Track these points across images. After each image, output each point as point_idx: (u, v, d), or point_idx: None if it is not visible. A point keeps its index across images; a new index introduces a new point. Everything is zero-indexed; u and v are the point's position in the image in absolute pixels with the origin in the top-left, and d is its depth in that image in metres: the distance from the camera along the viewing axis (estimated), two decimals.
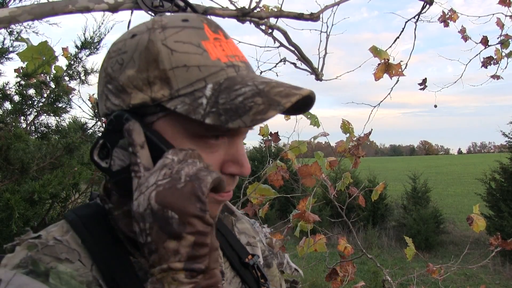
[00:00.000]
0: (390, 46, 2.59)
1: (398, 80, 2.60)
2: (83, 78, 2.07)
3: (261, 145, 13.23)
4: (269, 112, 0.48)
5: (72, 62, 2.02)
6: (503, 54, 3.27)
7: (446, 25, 3.24)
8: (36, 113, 1.94)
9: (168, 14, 0.59)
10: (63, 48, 2.37)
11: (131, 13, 1.35)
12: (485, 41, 3.29)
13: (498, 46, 3.27)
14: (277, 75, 2.75)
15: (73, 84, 2.06)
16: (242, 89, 0.50)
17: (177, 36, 0.52)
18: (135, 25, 0.58)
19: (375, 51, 2.42)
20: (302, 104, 0.56)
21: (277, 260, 0.85)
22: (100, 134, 0.56)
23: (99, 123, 2.11)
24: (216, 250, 0.47)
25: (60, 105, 1.97)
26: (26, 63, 1.92)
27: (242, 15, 1.65)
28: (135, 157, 0.50)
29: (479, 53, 3.34)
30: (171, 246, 0.44)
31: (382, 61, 2.43)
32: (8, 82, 1.89)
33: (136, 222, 0.46)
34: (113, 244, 0.56)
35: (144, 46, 0.52)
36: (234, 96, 0.49)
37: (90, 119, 2.12)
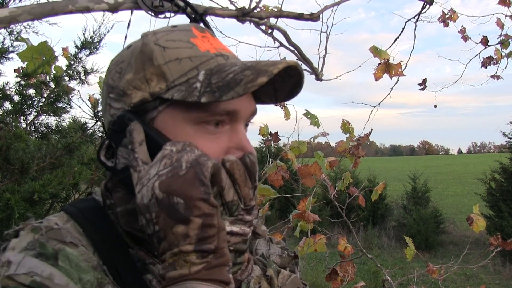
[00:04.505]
0: (390, 46, 2.59)
1: (398, 80, 2.60)
2: (83, 78, 2.07)
3: (261, 145, 13.22)
4: (259, 79, 0.49)
5: (72, 62, 2.02)
6: (503, 54, 3.26)
7: (446, 25, 3.24)
8: (36, 113, 1.94)
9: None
10: (63, 48, 2.37)
11: (131, 13, 1.35)
12: (485, 41, 3.29)
13: (498, 46, 3.27)
14: None
15: (73, 84, 2.07)
16: (232, 68, 0.53)
17: (167, 36, 0.57)
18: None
19: (375, 51, 2.42)
20: (294, 85, 0.60)
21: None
22: (105, 136, 0.59)
23: (99, 123, 2.11)
24: (223, 230, 0.48)
25: (60, 105, 1.97)
26: (26, 63, 1.92)
27: (242, 15, 1.65)
28: (133, 153, 0.52)
29: (479, 53, 3.35)
30: (180, 230, 0.45)
31: (382, 61, 2.43)
32: (8, 82, 1.89)
33: (141, 215, 0.48)
34: (112, 235, 0.57)
35: (138, 50, 0.56)
36: (225, 75, 0.52)
37: (90, 119, 2.12)
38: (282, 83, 0.60)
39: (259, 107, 0.64)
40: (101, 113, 0.64)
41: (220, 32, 2.26)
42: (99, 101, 2.14)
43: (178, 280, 0.45)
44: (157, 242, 0.47)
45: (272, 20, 2.01)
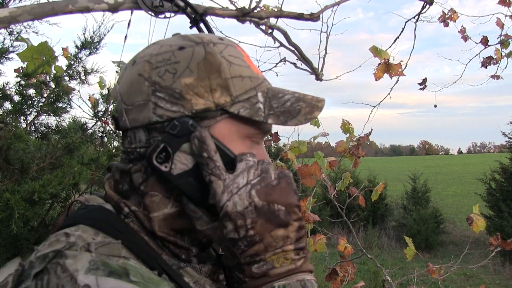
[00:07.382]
0: (390, 46, 2.59)
1: (398, 80, 2.60)
2: (83, 78, 2.06)
3: None
4: (315, 113, 0.60)
5: (72, 62, 2.02)
6: (503, 54, 3.26)
7: (446, 25, 3.24)
8: (36, 113, 1.94)
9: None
10: (63, 48, 2.37)
11: (131, 13, 1.35)
12: (485, 41, 3.29)
13: (498, 46, 3.27)
14: (277, 75, 2.75)
15: (73, 84, 2.06)
16: (285, 96, 0.60)
17: (227, 51, 0.60)
18: (167, 39, 0.63)
19: (375, 51, 2.42)
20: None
21: None
22: (160, 139, 0.56)
23: (99, 123, 2.11)
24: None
25: (60, 105, 1.97)
26: (26, 63, 1.92)
27: (242, 15, 1.66)
28: (212, 161, 0.54)
29: (479, 53, 3.35)
30: (280, 233, 0.53)
31: (382, 61, 2.43)
32: (8, 82, 1.89)
33: (230, 221, 0.52)
34: (143, 244, 0.56)
35: (202, 57, 0.58)
36: (282, 102, 0.59)
37: (90, 119, 2.12)
38: None
39: None
40: (116, 108, 0.61)
41: (220, 32, 2.26)
42: (99, 101, 2.14)
43: (287, 274, 0.53)
44: (246, 245, 0.52)
45: (272, 20, 2.01)
